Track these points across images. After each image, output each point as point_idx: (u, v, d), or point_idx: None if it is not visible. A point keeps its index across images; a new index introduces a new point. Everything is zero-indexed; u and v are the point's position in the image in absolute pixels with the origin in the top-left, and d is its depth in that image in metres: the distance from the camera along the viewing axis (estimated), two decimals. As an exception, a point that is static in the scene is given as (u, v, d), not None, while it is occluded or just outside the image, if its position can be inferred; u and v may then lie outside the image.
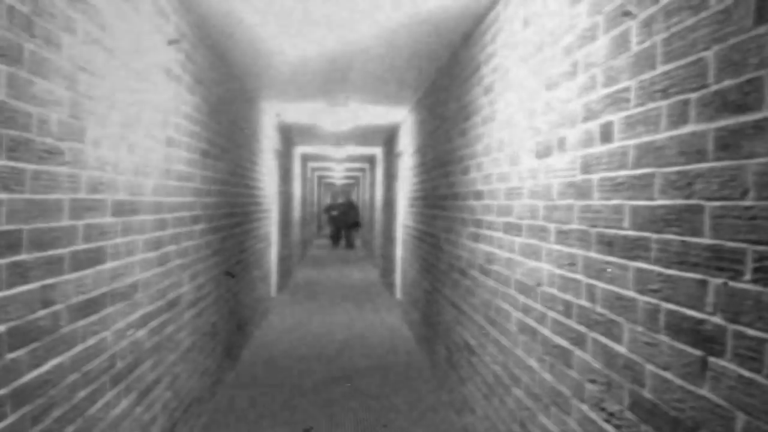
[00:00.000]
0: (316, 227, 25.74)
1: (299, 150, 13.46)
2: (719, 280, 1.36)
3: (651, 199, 1.66)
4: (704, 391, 1.41)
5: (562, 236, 2.31)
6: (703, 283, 1.42)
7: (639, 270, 1.72)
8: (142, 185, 2.80)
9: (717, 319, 1.37)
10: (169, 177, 3.23)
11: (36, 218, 1.84)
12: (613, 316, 1.87)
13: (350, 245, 20.53)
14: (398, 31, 4.14)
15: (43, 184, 1.88)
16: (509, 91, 3.09)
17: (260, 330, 7.02)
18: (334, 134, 10.43)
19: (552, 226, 2.43)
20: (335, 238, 21.03)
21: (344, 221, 20.35)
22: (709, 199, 1.41)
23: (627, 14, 1.81)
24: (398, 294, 8.95)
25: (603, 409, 1.94)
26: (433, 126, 5.57)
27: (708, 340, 1.40)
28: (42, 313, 1.90)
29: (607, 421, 1.90)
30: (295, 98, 6.85)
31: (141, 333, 2.85)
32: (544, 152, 2.54)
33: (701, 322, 1.42)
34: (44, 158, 1.88)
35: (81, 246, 2.17)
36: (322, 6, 3.59)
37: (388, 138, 10.70)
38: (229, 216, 5.00)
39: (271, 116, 8.04)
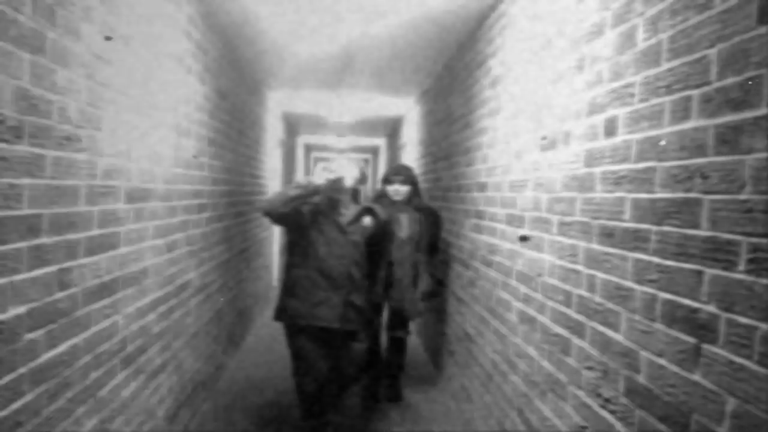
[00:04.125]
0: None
1: (302, 140, 13.49)
2: (715, 271, 1.42)
3: (652, 192, 1.71)
4: (697, 377, 1.47)
5: (565, 228, 2.37)
6: (699, 274, 1.48)
7: (638, 261, 1.78)
8: (153, 172, 2.86)
9: (711, 308, 1.43)
10: (178, 165, 3.28)
11: (55, 203, 1.90)
12: (612, 306, 1.93)
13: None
14: (406, 29, 4.22)
15: (62, 170, 1.94)
16: (515, 84, 3.14)
17: (262, 317, 7.10)
18: (338, 125, 10.46)
19: (554, 218, 2.49)
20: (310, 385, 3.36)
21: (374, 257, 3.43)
22: (707, 192, 1.46)
23: None
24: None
25: (599, 395, 2.00)
26: (438, 118, 5.61)
27: (702, 328, 1.46)
28: (59, 295, 1.96)
29: (603, 406, 1.97)
30: (301, 88, 6.88)
31: (150, 317, 2.91)
32: (548, 145, 2.59)
33: (696, 310, 1.48)
34: (63, 145, 1.94)
35: (96, 231, 2.23)
36: (333, 5, 3.65)
37: (392, 129, 10.74)
38: (233, 204, 5.06)
39: (276, 105, 8.07)
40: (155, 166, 2.89)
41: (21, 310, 1.73)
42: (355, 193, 3.36)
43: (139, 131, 2.66)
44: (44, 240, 1.84)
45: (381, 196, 4.31)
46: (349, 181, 3.20)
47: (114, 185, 2.38)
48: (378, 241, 3.40)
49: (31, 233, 1.76)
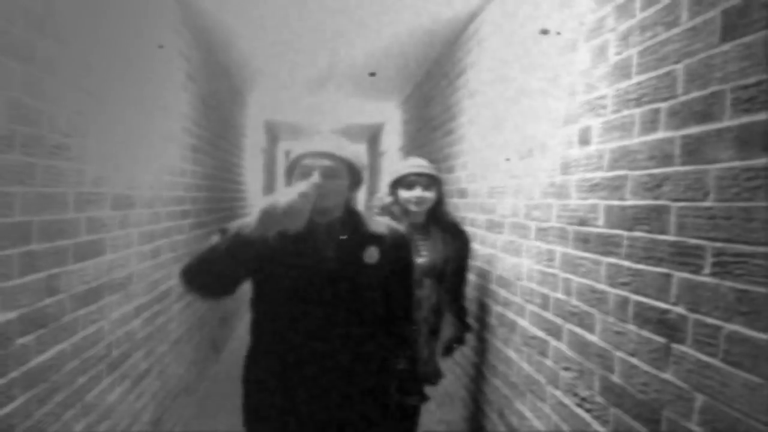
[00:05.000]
0: None
1: (282, 146, 13.50)
2: (682, 274, 1.51)
3: (623, 199, 1.80)
4: (667, 375, 1.55)
5: (542, 233, 2.45)
6: (668, 277, 1.56)
7: (611, 265, 1.86)
8: (138, 179, 2.89)
9: (680, 309, 1.51)
10: (162, 172, 3.31)
11: (45, 210, 1.93)
12: (587, 308, 2.01)
13: None
14: (386, 44, 4.33)
15: (52, 178, 1.97)
16: (493, 93, 3.22)
17: (243, 323, 7.10)
18: (318, 132, 10.51)
19: (532, 224, 2.57)
20: None
21: None
22: (674, 200, 1.55)
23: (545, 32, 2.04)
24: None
25: (575, 395, 2.08)
26: (418, 125, 5.69)
27: (671, 328, 1.54)
28: (48, 300, 1.99)
29: (579, 405, 2.04)
30: (282, 96, 6.93)
31: (135, 323, 2.94)
32: (526, 154, 2.67)
33: (666, 311, 1.57)
34: (54, 153, 1.97)
35: (84, 238, 2.26)
36: (315, 28, 3.72)
37: (372, 136, 10.81)
38: (215, 211, 5.08)
39: (257, 112, 8.09)
40: (140, 173, 2.92)
41: (12, 315, 1.75)
42: (348, 206, 2.00)
43: (126, 138, 2.69)
44: (34, 247, 1.87)
45: (390, 207, 2.80)
46: (330, 203, 1.89)
47: (101, 192, 2.41)
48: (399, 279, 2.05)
49: (21, 240, 1.79)
